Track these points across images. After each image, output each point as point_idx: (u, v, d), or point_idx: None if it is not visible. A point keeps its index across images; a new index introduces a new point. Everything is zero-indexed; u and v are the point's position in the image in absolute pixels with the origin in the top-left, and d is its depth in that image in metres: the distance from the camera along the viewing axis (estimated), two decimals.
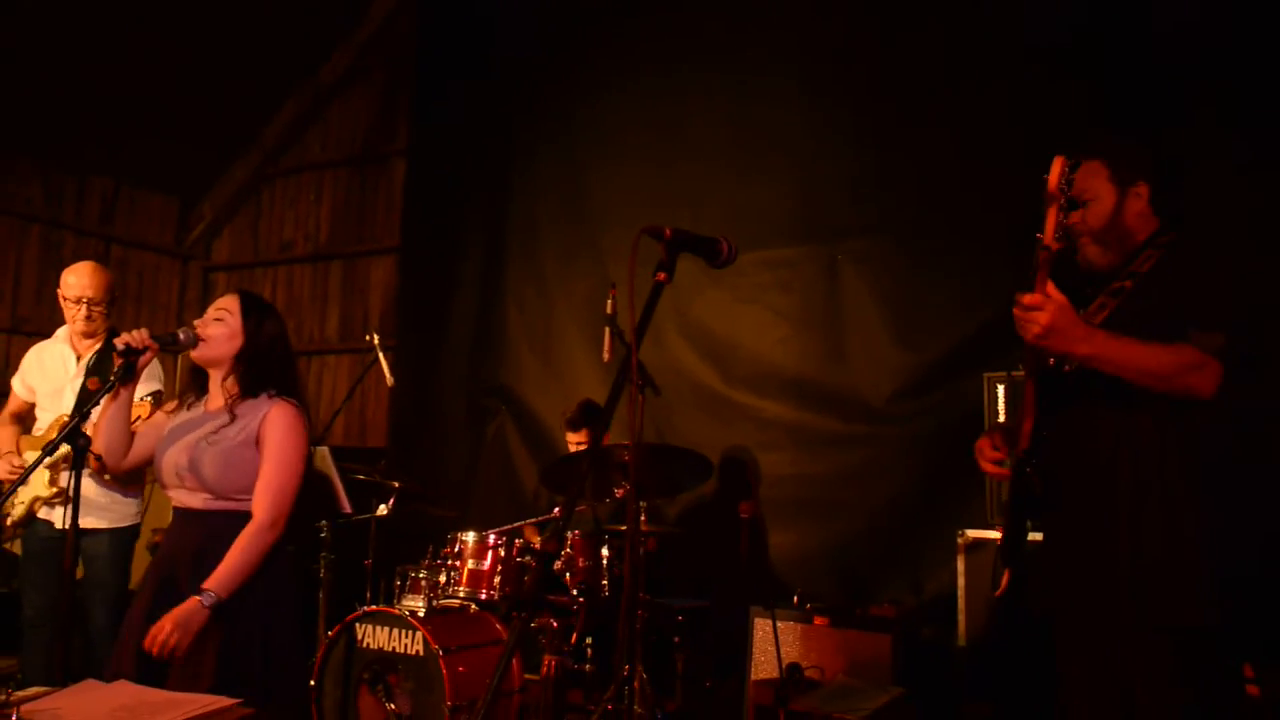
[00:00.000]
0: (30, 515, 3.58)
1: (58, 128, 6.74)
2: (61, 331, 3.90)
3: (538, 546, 3.71)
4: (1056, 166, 2.00)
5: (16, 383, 3.89)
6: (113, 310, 3.85)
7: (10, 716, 1.41)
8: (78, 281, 3.73)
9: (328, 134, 7.71)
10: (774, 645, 3.59)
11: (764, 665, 3.68)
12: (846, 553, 4.63)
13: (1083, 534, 2.22)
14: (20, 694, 1.56)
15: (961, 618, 3.77)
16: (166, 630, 2.37)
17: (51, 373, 3.81)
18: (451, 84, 6.42)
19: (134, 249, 7.58)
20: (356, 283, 7.39)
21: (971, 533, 3.81)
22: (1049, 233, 2.00)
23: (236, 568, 2.48)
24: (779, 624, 3.63)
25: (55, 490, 3.61)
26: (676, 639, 3.77)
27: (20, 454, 3.73)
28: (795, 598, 3.79)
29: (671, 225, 1.79)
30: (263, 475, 2.59)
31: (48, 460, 3.49)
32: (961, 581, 3.79)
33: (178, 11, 6.35)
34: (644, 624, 3.37)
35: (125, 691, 1.67)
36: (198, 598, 2.42)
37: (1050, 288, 2.01)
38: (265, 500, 2.57)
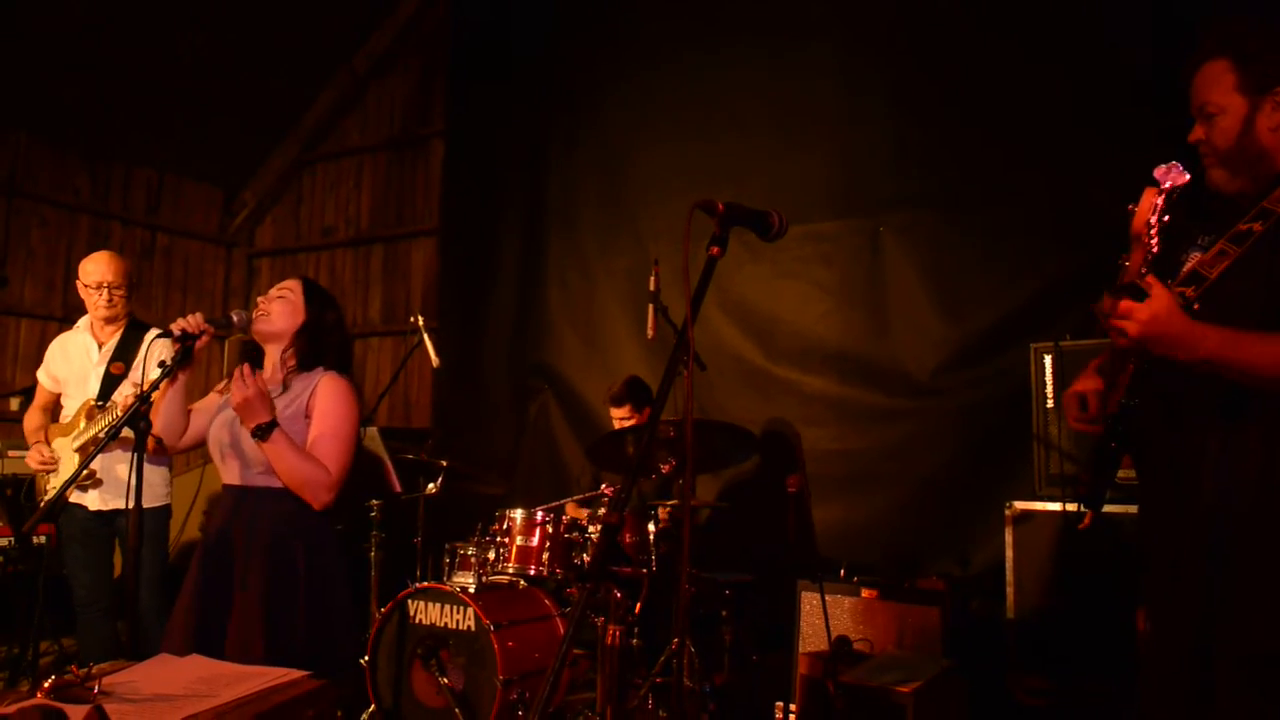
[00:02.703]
0: (64, 501, 3.67)
1: (104, 120, 6.86)
2: (82, 321, 3.98)
3: (585, 522, 3.74)
4: (1146, 200, 1.70)
5: (42, 374, 3.98)
6: (133, 295, 3.92)
7: (92, 689, 1.46)
8: (96, 268, 3.81)
9: (366, 118, 7.76)
10: (821, 619, 3.60)
11: (811, 638, 3.68)
12: (891, 527, 4.62)
13: (1164, 545, 1.99)
14: (102, 667, 1.61)
15: (1010, 590, 3.74)
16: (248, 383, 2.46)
17: (75, 361, 3.89)
18: (487, 64, 6.43)
19: (179, 237, 7.70)
20: (398, 265, 7.46)
21: (1019, 504, 3.78)
22: (1131, 270, 1.71)
23: (292, 452, 2.54)
24: (826, 597, 3.64)
25: (86, 471, 3.69)
26: (723, 613, 3.78)
27: (49, 443, 3.82)
28: (842, 571, 3.79)
29: (721, 200, 1.78)
30: (317, 440, 2.62)
31: (87, 443, 3.59)
32: (1010, 554, 3.76)
33: (217, 3, 6.42)
34: (691, 598, 3.39)
35: (200, 665, 1.72)
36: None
37: (1152, 283, 1.70)
38: (326, 456, 2.60)
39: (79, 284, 3.84)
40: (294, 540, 2.62)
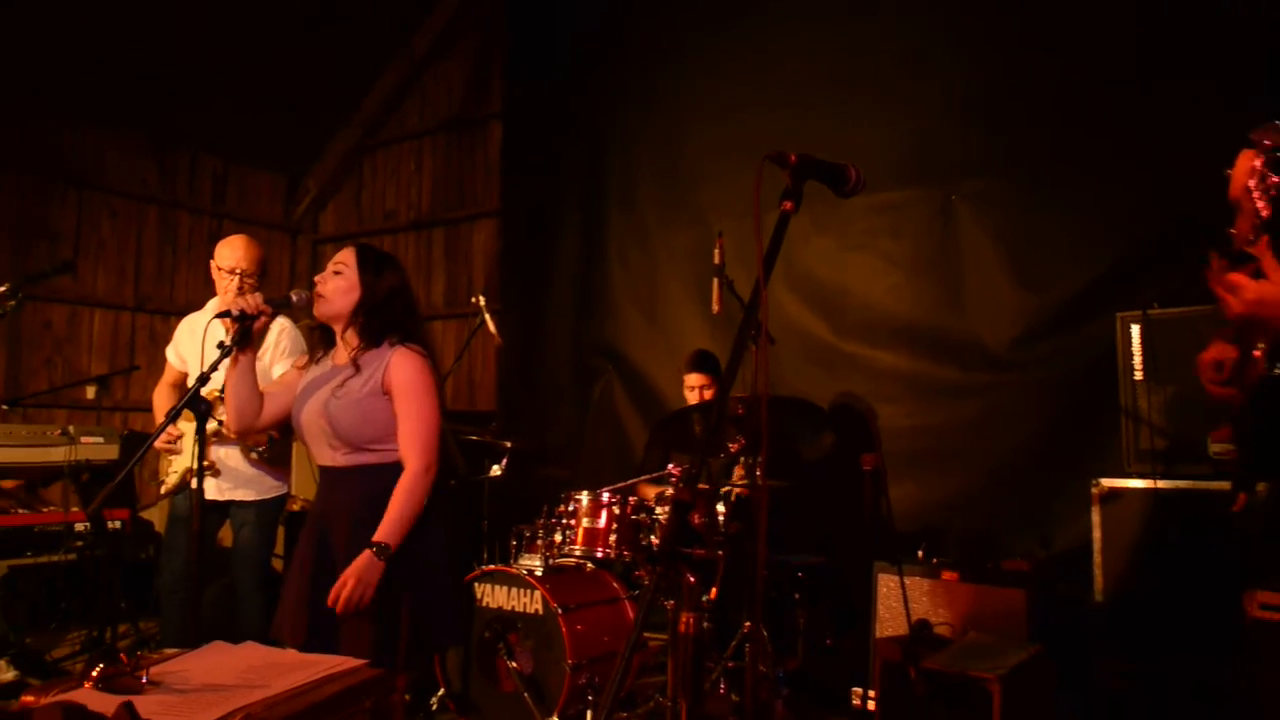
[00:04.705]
0: (183, 484, 3.68)
1: (170, 111, 6.95)
2: (212, 303, 3.97)
3: (652, 503, 3.66)
4: (1243, 163, 1.60)
5: (170, 353, 4.00)
6: (263, 284, 3.90)
7: (140, 678, 1.41)
8: (231, 253, 3.81)
9: (424, 102, 7.75)
10: (898, 601, 3.48)
11: (889, 622, 3.56)
12: (969, 506, 4.46)
13: None
14: (150, 656, 1.57)
15: (1098, 572, 3.59)
16: (350, 586, 2.44)
17: (200, 343, 3.90)
18: (543, 43, 6.36)
19: (245, 225, 7.76)
20: (459, 248, 7.45)
21: (1107, 482, 3.62)
22: (1239, 237, 1.64)
23: (401, 517, 2.52)
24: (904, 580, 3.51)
25: (206, 462, 3.70)
26: (796, 596, 3.68)
27: (177, 424, 3.84)
28: (920, 552, 3.65)
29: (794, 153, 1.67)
30: (404, 423, 2.59)
31: (191, 428, 3.61)
32: (1097, 534, 3.61)
33: None
34: (764, 581, 3.30)
35: (254, 653, 1.67)
36: (370, 550, 2.47)
37: (1263, 252, 1.62)
38: (414, 447, 2.58)
39: (213, 265, 3.85)
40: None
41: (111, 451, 4.24)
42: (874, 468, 3.39)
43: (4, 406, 5.16)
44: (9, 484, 4.74)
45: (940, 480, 4.56)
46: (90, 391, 5.99)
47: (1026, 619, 3.28)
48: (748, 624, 3.36)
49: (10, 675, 4.31)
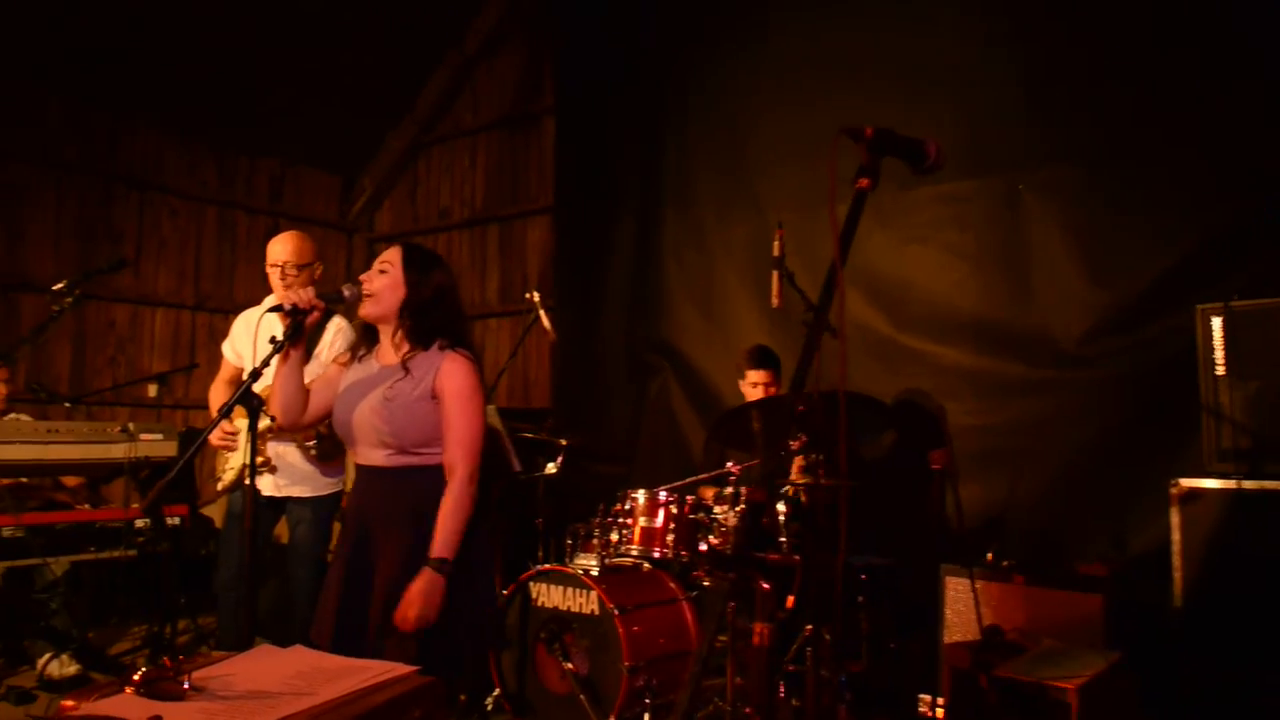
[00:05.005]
0: (239, 480, 3.69)
1: (227, 113, 7.03)
2: (267, 299, 3.99)
3: (710, 502, 3.58)
4: None
5: (227, 349, 4.02)
6: (315, 275, 3.89)
7: (183, 683, 1.37)
8: (276, 248, 3.82)
9: (477, 99, 7.75)
10: (967, 606, 3.36)
11: (957, 627, 3.44)
12: (1036, 507, 4.29)
13: None
14: (195, 659, 1.52)
15: (1177, 575, 3.42)
16: (417, 606, 2.42)
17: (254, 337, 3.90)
18: (595, 36, 6.29)
19: (301, 224, 7.82)
20: (514, 245, 7.43)
21: (1186, 482, 3.45)
22: None
23: (456, 528, 2.50)
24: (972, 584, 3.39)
25: (262, 459, 3.70)
26: (860, 598, 3.57)
27: (232, 419, 3.85)
28: (989, 555, 3.52)
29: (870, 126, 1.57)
30: (451, 430, 2.56)
31: (235, 424, 3.61)
32: (1176, 536, 3.43)
33: None
34: (826, 583, 3.19)
35: (300, 658, 1.61)
36: (428, 568, 2.45)
37: None
38: (460, 454, 2.55)
39: (266, 264, 3.87)
40: (432, 520, 2.55)
41: (170, 449, 4.27)
42: (944, 466, 3.26)
43: (67, 404, 5.25)
44: (71, 481, 4.80)
45: (1006, 480, 4.40)
46: (152, 389, 6.07)
47: (1104, 625, 3.13)
48: (809, 626, 3.26)
49: (73, 669, 4.36)
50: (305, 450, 3.68)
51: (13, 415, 4.76)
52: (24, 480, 4.54)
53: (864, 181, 1.55)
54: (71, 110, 6.53)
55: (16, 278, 6.19)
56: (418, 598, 2.42)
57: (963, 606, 3.43)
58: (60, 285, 3.43)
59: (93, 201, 6.65)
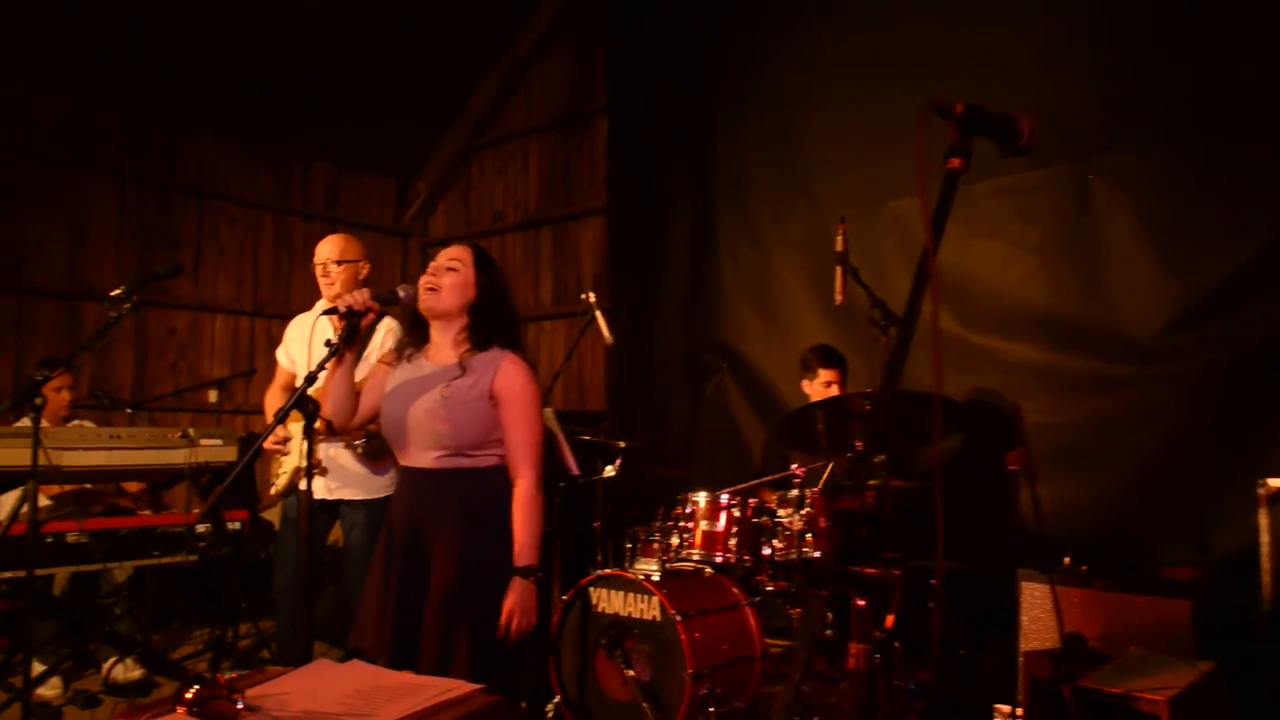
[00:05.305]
0: (292, 485, 3.68)
1: (283, 120, 7.09)
2: (319, 304, 3.99)
3: (774, 505, 3.48)
4: None
5: (280, 354, 4.02)
6: (359, 274, 3.87)
7: (236, 703, 1.31)
8: (321, 247, 3.83)
9: (530, 100, 7.73)
10: (1044, 612, 3.22)
11: (1034, 634, 3.29)
12: (1113, 509, 4.12)
13: None
14: (250, 676, 1.47)
15: (1266, 579, 3.26)
16: (518, 617, 2.44)
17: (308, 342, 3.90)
18: (646, 34, 6.21)
19: (357, 229, 7.84)
20: (567, 247, 7.39)
21: (1274, 482, 3.27)
22: None
23: (535, 534, 2.51)
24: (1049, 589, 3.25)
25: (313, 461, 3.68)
26: (930, 604, 3.44)
27: (286, 425, 3.84)
28: (1067, 559, 3.37)
29: (964, 101, 1.47)
30: (514, 434, 2.54)
31: (298, 429, 3.59)
32: (1265, 538, 3.26)
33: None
34: (894, 589, 3.07)
35: (359, 674, 1.55)
36: (518, 577, 2.47)
37: None
38: (527, 459, 2.55)
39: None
40: (490, 524, 2.51)
41: (230, 454, 4.28)
42: (1021, 467, 3.13)
43: (129, 410, 5.30)
44: (132, 487, 4.85)
45: (1081, 481, 4.23)
46: (212, 395, 6.12)
47: (1193, 632, 2.98)
48: (877, 632, 3.16)
49: (137, 673, 4.40)
50: (354, 450, 3.65)
51: (76, 422, 4.82)
52: (88, 486, 4.59)
53: (956, 162, 1.46)
54: (133, 123, 6.62)
55: (80, 287, 6.29)
56: (516, 609, 2.44)
57: (1040, 613, 3.29)
58: (117, 291, 3.45)
59: (153, 210, 6.75)
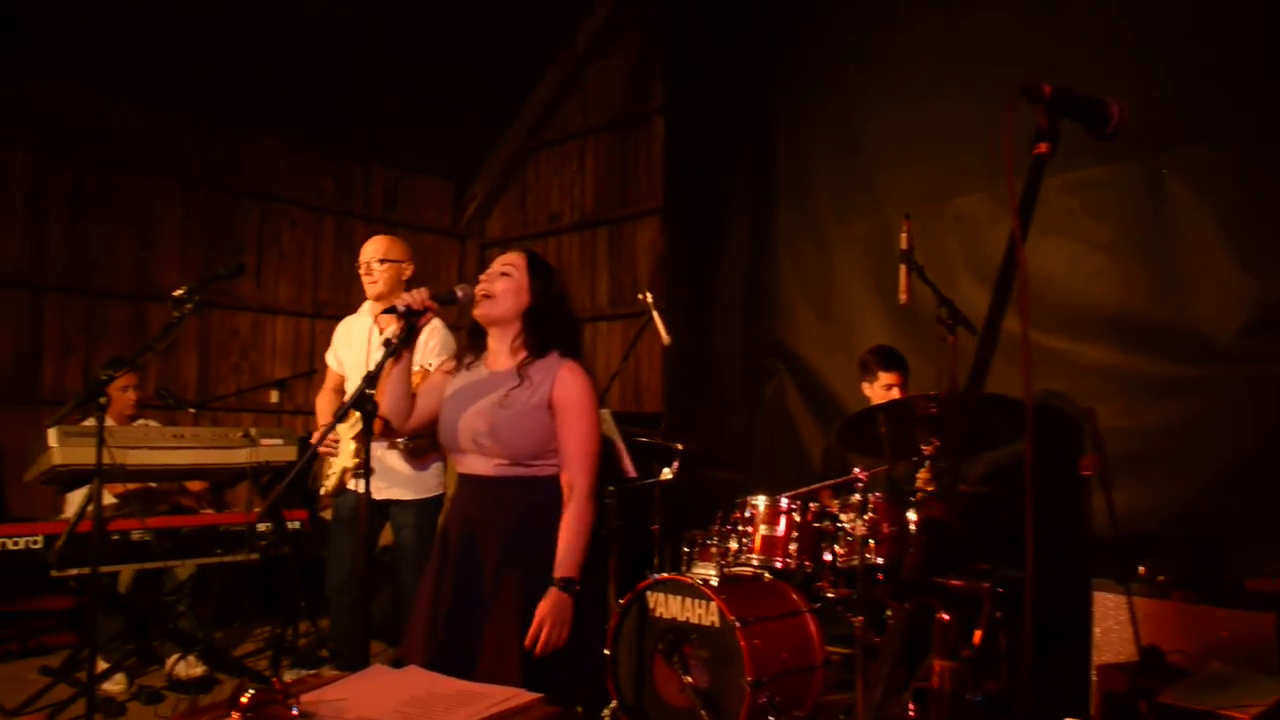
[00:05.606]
0: (341, 486, 3.69)
1: (343, 123, 7.16)
2: (366, 305, 4.01)
3: (835, 510, 3.40)
4: None
5: (330, 356, 4.05)
6: (402, 274, 3.88)
7: (291, 708, 1.29)
8: (364, 248, 3.84)
9: (586, 100, 7.71)
10: (1119, 624, 3.10)
11: (1106, 647, 3.18)
12: (1190, 517, 3.97)
13: None
14: (306, 679, 1.45)
15: None
16: (548, 628, 2.37)
17: (356, 344, 3.92)
18: (705, 33, 6.16)
19: (415, 232, 7.93)
20: (623, 247, 7.36)
21: None
22: None
23: (577, 546, 2.44)
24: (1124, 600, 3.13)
25: (359, 461, 3.69)
26: (998, 614, 3.34)
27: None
28: (1142, 569, 3.24)
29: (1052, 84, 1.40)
30: (571, 444, 2.50)
31: (345, 429, 3.60)
32: None
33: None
34: (965, 597, 2.98)
35: (415, 681, 1.52)
36: (555, 588, 2.40)
37: None
38: (581, 469, 2.49)
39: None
40: (547, 534, 2.47)
41: (290, 454, 4.32)
42: (1095, 473, 3.02)
43: (193, 410, 5.38)
44: (195, 486, 4.92)
45: (1155, 487, 4.08)
46: (273, 395, 6.20)
47: (1277, 647, 2.84)
48: (966, 650, 3.06)
49: (199, 670, 4.45)
50: (399, 449, 3.65)
51: (142, 421, 4.91)
52: (152, 485, 4.67)
53: (1043, 146, 1.39)
54: (200, 127, 6.74)
55: (146, 290, 6.42)
56: (548, 620, 2.37)
57: (1113, 624, 3.17)
58: (180, 292, 3.48)
59: (217, 214, 6.86)
